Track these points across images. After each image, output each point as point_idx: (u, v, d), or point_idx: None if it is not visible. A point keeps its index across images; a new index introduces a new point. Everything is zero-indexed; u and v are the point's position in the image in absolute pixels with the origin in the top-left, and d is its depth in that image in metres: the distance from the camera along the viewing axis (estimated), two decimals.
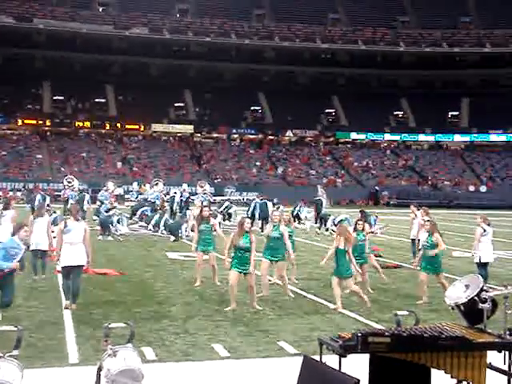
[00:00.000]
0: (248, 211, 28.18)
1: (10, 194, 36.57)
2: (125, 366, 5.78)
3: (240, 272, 11.63)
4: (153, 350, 8.76)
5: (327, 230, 27.20)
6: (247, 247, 11.57)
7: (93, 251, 14.06)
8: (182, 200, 29.94)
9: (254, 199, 31.20)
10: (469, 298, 6.39)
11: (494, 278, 14.13)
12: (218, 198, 38.53)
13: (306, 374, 5.82)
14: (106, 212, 24.75)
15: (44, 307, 11.41)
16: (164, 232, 25.57)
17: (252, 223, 15.07)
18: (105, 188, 31.81)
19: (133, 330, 6.25)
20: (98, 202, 28.82)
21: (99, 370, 5.88)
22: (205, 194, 31.64)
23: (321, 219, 28.40)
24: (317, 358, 5.96)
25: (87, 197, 29.80)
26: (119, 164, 62.20)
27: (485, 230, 14.11)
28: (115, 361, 5.81)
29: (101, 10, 74.00)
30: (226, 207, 31.22)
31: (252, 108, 74.83)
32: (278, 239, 12.77)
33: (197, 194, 32.03)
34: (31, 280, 14.05)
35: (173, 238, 23.61)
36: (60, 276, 12.83)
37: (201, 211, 14.68)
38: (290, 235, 13.46)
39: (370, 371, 6.03)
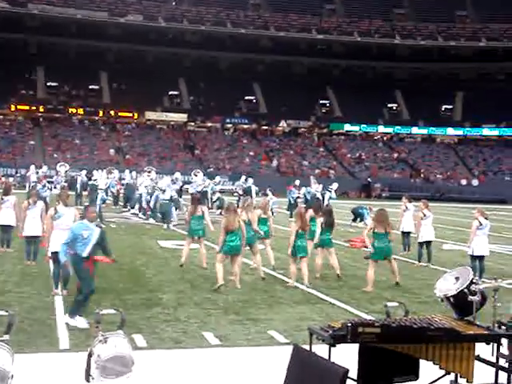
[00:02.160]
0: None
1: (3, 179, 36.37)
2: (115, 352, 5.80)
3: None
4: (143, 337, 8.79)
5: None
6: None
7: None
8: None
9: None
10: (458, 290, 6.43)
11: (485, 272, 14.19)
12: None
13: (295, 363, 5.86)
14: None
15: (35, 293, 11.42)
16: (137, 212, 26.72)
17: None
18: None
19: (123, 317, 6.27)
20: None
21: (90, 355, 5.91)
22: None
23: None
24: (307, 347, 5.99)
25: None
26: (112, 151, 62.05)
27: (481, 224, 14.15)
28: (106, 347, 5.83)
29: None
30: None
31: (246, 98, 74.65)
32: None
33: (191, 182, 32.01)
34: (23, 265, 14.07)
35: (165, 225, 23.68)
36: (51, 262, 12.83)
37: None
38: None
39: (359, 361, 6.08)
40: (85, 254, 9.35)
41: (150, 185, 27.55)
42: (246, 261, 15.30)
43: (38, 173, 33.78)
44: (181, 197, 29.57)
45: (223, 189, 39.62)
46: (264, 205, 15.40)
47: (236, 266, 12.84)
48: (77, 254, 9.39)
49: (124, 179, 34.52)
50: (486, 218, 14.35)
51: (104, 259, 15.23)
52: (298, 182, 33.87)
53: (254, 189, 31.75)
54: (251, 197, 30.16)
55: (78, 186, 31.70)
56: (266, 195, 27.10)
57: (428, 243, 16.84)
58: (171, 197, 24.45)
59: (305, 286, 12.94)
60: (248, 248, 13.92)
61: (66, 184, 29.64)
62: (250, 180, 34.04)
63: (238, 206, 15.46)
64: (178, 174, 33.48)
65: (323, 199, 27.73)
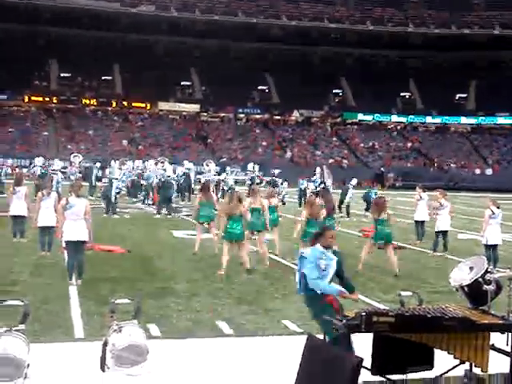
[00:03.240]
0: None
1: (17, 170, 36.53)
2: (130, 341, 5.82)
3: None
4: (157, 326, 8.82)
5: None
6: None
7: (99, 229, 14.17)
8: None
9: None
10: (473, 279, 6.40)
11: (499, 261, 14.14)
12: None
13: (309, 353, 5.86)
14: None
15: (50, 283, 11.47)
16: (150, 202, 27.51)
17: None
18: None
19: (138, 306, 6.29)
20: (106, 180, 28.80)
21: (105, 345, 5.93)
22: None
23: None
24: (321, 336, 5.99)
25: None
26: (125, 142, 62.20)
27: (493, 213, 14.13)
28: (121, 336, 5.85)
29: None
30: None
31: (259, 87, 74.55)
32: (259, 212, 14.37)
33: (203, 172, 32.08)
34: (37, 256, 14.14)
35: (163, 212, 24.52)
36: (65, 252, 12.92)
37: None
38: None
39: (373, 350, 6.07)
40: (320, 291, 7.11)
41: (161, 175, 27.62)
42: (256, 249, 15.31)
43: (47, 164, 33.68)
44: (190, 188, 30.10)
45: (236, 179, 39.60)
46: (270, 193, 16.02)
47: (244, 252, 13.20)
48: (313, 291, 7.18)
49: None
50: (498, 207, 14.33)
51: (118, 249, 15.35)
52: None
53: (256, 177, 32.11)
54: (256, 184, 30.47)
55: (93, 177, 31.80)
56: (272, 184, 27.25)
57: (444, 233, 16.80)
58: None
59: None
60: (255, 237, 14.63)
61: (80, 175, 29.77)
62: (250, 166, 34.31)
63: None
64: (190, 165, 33.57)
65: (345, 195, 27.39)
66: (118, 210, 24.50)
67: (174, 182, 26.03)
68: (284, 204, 29.31)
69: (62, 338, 8.21)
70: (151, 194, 28.48)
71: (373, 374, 6.02)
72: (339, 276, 7.28)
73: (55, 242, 13.94)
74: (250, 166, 34.06)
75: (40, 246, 14.48)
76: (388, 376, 6.10)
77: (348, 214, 26.43)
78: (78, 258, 11.42)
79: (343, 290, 7.10)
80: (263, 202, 14.59)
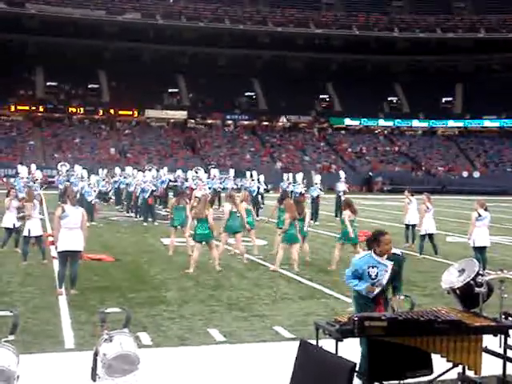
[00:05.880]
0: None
1: (4, 179, 36.35)
2: (121, 350, 5.78)
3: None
4: (148, 335, 8.76)
5: None
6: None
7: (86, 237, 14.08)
8: (177, 185, 30.10)
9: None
10: (465, 282, 6.40)
11: (489, 263, 14.18)
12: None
13: (303, 359, 5.83)
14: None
15: (39, 293, 11.38)
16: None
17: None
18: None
19: (129, 315, 6.25)
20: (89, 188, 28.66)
21: (95, 354, 5.88)
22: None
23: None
24: (313, 342, 5.96)
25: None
26: (113, 150, 62.00)
27: (480, 215, 14.17)
28: (111, 346, 5.81)
29: None
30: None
31: (246, 94, 74.59)
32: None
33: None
34: (25, 265, 14.04)
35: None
36: (55, 262, 12.83)
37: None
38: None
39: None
40: (371, 296, 6.83)
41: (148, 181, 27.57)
42: (251, 257, 15.32)
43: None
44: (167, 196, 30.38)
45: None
46: (245, 197, 16.61)
47: (213, 251, 14.05)
48: (362, 296, 6.93)
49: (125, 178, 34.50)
50: (485, 210, 14.37)
51: (106, 258, 15.26)
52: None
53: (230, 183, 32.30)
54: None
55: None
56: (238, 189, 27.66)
57: (431, 236, 16.87)
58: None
59: (294, 272, 13.84)
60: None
61: (69, 183, 29.51)
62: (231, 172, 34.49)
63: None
64: (179, 172, 33.52)
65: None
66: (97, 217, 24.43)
67: (152, 188, 25.91)
68: (263, 200, 30.94)
69: (52, 349, 8.13)
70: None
71: (370, 381, 5.99)
72: (393, 280, 6.91)
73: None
74: (248, 174, 33.88)
75: (22, 255, 14.39)
76: (385, 382, 6.07)
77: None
78: (73, 268, 11.30)
79: (369, 284, 6.75)
80: (240, 206, 15.35)
